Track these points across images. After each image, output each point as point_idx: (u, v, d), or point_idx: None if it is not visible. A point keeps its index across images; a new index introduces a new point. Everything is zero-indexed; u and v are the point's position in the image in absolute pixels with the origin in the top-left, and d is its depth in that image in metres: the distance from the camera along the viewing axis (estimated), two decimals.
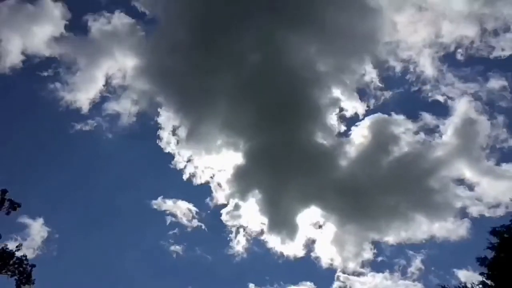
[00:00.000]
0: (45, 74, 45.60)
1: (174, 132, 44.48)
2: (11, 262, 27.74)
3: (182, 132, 44.72)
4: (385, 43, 50.15)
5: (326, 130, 45.45)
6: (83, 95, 44.81)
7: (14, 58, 43.59)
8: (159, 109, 44.76)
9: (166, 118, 44.45)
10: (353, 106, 49.63)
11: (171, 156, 45.70)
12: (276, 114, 42.12)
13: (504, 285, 20.29)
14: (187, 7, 42.75)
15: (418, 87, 51.92)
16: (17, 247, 28.04)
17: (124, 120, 44.96)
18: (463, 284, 21.97)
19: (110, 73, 45.15)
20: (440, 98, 51.68)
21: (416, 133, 49.46)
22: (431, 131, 51.09)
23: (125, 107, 44.48)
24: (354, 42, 47.67)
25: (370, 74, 50.18)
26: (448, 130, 50.18)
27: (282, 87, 41.81)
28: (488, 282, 21.04)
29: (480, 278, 21.41)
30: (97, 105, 44.77)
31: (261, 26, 41.92)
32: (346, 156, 46.68)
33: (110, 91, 45.21)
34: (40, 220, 43.47)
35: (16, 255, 27.68)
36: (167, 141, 44.56)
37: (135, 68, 44.41)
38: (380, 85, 50.65)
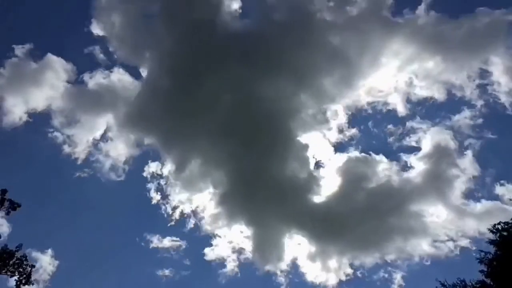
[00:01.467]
0: (47, 127, 48.28)
1: (160, 171, 47.52)
2: (11, 262, 27.90)
3: (166, 170, 47.82)
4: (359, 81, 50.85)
5: (303, 163, 47.11)
6: (81, 146, 48.03)
7: (18, 112, 47.10)
8: (148, 151, 48.13)
9: (153, 159, 47.92)
10: (327, 140, 51.30)
11: (159, 194, 47.87)
12: (255, 148, 44.78)
13: (503, 283, 19.76)
14: (168, 58, 46.67)
15: (389, 124, 53.11)
16: (17, 247, 28.21)
17: (116, 164, 48.20)
18: (463, 283, 21.47)
19: (104, 123, 48.50)
20: (411, 135, 52.86)
21: (387, 168, 50.39)
22: (402, 166, 52.01)
23: (117, 153, 47.85)
24: (327, 82, 49.91)
25: (342, 112, 51.81)
26: (418, 166, 51.18)
27: (258, 124, 44.63)
28: (488, 280, 20.51)
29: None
30: (93, 153, 47.70)
31: (234, 71, 45.36)
32: (321, 187, 48.47)
33: (105, 139, 47.69)
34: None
35: (16, 255, 28.04)
36: (155, 180, 47.02)
37: (127, 117, 47.79)
38: (351, 122, 52.69)
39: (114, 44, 51.40)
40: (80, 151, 48.76)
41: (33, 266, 28.25)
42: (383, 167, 50.00)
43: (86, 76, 51.03)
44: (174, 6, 47.87)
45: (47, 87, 49.85)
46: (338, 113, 51.83)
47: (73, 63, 51.42)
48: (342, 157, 52.09)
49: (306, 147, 47.96)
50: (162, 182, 48.12)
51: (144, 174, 48.29)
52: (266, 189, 44.09)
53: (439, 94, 51.84)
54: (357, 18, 51.61)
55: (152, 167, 47.50)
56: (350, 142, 53.04)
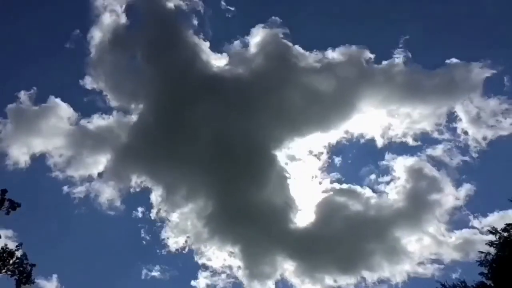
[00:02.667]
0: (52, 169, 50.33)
1: (151, 204, 50.28)
2: (11, 261, 27.78)
3: (156, 200, 50.19)
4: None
5: (282, 192, 48.97)
6: (80, 185, 50.61)
7: (23, 154, 49.39)
8: (139, 184, 49.77)
9: (145, 193, 50.71)
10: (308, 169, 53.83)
11: (151, 225, 51.19)
12: (238, 178, 47.51)
13: (504, 285, 19.78)
14: (155, 100, 50.08)
15: (367, 155, 55.74)
16: (17, 246, 28.07)
17: (113, 200, 50.77)
18: (463, 284, 21.49)
19: (100, 162, 50.86)
20: (387, 163, 54.20)
21: (365, 196, 51.83)
22: (378, 194, 53.21)
23: (113, 189, 50.43)
24: (306, 118, 51.95)
25: (322, 144, 53.50)
26: (396, 194, 52.25)
27: (241, 155, 47.49)
28: (488, 282, 20.53)
29: None
30: (91, 190, 49.99)
31: (216, 108, 48.90)
32: (302, 213, 50.37)
33: (101, 177, 50.54)
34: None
35: (16, 254, 27.96)
36: (147, 211, 50.68)
37: (121, 155, 50.42)
38: (331, 153, 54.29)
39: (106, 90, 53.66)
40: (79, 190, 51.65)
41: (33, 266, 28.20)
42: (362, 195, 52.00)
43: (82, 120, 53.71)
44: (156, 52, 51.34)
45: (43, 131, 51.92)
46: (318, 144, 53.99)
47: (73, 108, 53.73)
48: (322, 186, 54.21)
49: (287, 175, 50.38)
50: (154, 211, 50.81)
51: (139, 208, 51.81)
52: (251, 214, 46.84)
53: (413, 135, 54.03)
54: (337, 64, 53.95)
55: (144, 200, 52.65)
56: (329, 171, 55.09)
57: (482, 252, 21.02)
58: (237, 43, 56.29)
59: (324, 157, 54.02)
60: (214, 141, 47.35)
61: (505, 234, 20.67)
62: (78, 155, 51.26)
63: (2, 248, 27.55)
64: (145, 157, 49.23)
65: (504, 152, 53.26)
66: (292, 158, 52.05)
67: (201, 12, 55.39)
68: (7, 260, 27.60)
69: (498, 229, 20.97)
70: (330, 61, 54.18)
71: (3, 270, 27.58)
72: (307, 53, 54.14)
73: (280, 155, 50.60)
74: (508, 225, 20.65)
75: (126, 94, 52.78)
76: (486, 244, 20.97)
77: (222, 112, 48.56)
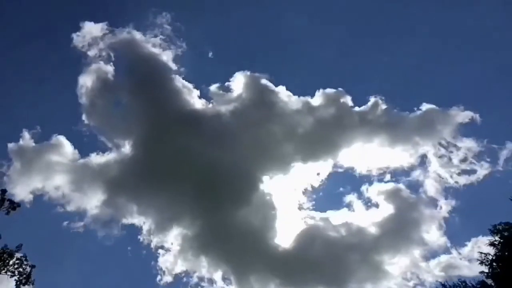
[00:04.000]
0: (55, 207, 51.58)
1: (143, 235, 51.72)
2: (11, 262, 27.76)
3: (147, 230, 51.80)
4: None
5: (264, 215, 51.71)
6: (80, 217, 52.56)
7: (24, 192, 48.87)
8: (133, 215, 51.86)
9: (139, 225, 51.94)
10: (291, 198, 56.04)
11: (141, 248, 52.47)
12: (224, 205, 50.25)
13: (504, 284, 19.74)
14: (144, 135, 53.34)
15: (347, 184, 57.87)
16: (17, 247, 28.06)
17: (110, 230, 52.07)
18: (463, 283, 21.48)
19: (98, 197, 52.39)
20: (369, 195, 55.98)
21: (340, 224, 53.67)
22: (360, 219, 55.60)
23: (108, 220, 52.03)
24: (289, 151, 54.98)
25: (303, 172, 55.49)
26: (376, 220, 53.78)
27: (225, 184, 49.98)
28: (488, 281, 20.50)
29: None
30: (91, 222, 51.55)
31: (199, 142, 52.68)
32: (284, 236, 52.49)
33: (98, 210, 51.75)
34: None
35: (16, 255, 27.93)
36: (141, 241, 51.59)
37: (115, 188, 52.70)
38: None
39: (100, 130, 58.18)
40: (80, 223, 52.70)
41: (33, 266, 28.16)
42: (343, 220, 54.27)
43: (78, 158, 55.07)
44: (143, 94, 55.21)
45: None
46: (301, 175, 55.76)
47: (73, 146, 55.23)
48: (304, 212, 55.85)
49: (271, 202, 52.65)
50: (145, 239, 52.00)
51: (137, 238, 52.74)
52: (236, 238, 48.96)
53: (389, 171, 56.28)
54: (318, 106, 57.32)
55: (135, 230, 52.53)
56: (312, 199, 56.52)
57: (482, 253, 21.02)
58: (221, 85, 58.96)
59: (307, 186, 55.81)
60: (199, 172, 50.10)
61: (506, 233, 20.63)
62: (75, 191, 52.98)
63: (2, 249, 27.55)
64: (137, 189, 52.14)
65: (475, 195, 55.33)
66: (276, 186, 54.39)
67: (184, 56, 60.26)
68: (7, 261, 27.61)
69: (499, 229, 20.94)
70: (311, 102, 57.44)
71: (3, 271, 27.57)
72: (289, 94, 57.33)
73: (264, 184, 53.07)
74: (506, 223, 20.63)
75: (117, 133, 56.56)
76: (486, 244, 20.96)
77: (208, 147, 51.86)
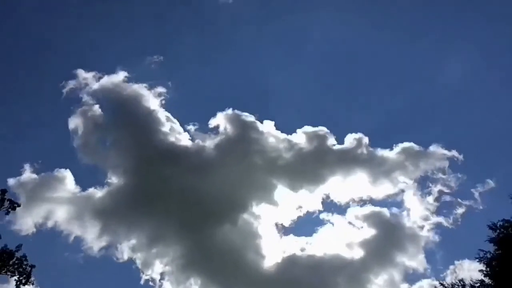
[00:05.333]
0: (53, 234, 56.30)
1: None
2: (11, 262, 27.86)
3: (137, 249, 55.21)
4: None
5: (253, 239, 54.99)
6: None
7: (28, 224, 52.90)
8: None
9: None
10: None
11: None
12: (204, 228, 54.04)
13: (503, 283, 19.00)
14: (133, 170, 57.17)
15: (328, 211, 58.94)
16: (17, 247, 28.15)
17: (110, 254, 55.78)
18: (462, 282, 20.77)
19: (95, 227, 56.35)
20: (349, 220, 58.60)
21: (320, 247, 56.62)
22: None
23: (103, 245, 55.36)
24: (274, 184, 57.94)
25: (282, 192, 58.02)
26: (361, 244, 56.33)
27: (211, 212, 53.78)
28: (487, 280, 19.77)
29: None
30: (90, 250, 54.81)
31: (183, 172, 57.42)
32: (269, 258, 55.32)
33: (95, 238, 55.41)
34: None
35: (16, 255, 28.03)
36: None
37: (111, 217, 57.01)
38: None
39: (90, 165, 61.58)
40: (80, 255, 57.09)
41: (33, 266, 28.25)
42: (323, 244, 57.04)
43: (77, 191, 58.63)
44: (131, 132, 59.87)
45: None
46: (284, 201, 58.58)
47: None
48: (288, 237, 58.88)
49: (256, 233, 55.65)
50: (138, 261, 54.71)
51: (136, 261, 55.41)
52: (220, 261, 51.94)
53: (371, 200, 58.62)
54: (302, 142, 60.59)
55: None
56: (294, 224, 58.33)
57: (481, 250, 20.32)
58: (205, 122, 63.07)
59: (290, 212, 57.91)
60: (184, 201, 54.06)
61: (505, 231, 19.91)
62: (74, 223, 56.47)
63: (2, 248, 27.70)
64: (129, 218, 55.67)
65: (453, 231, 56.87)
66: (260, 213, 56.97)
67: (170, 95, 64.41)
68: (7, 261, 27.73)
69: (498, 226, 20.23)
70: (294, 138, 60.98)
71: (3, 271, 27.69)
72: (274, 130, 60.79)
73: (249, 212, 55.89)
74: (506, 221, 19.92)
75: (108, 167, 60.56)
76: (486, 241, 20.27)
77: (192, 179, 55.93)
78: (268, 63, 77.68)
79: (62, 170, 58.58)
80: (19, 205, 28.29)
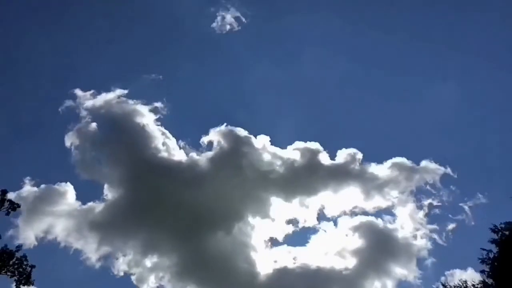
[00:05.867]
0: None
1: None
2: (11, 262, 27.70)
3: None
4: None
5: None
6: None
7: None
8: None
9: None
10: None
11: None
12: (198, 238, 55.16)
13: (505, 283, 19.40)
14: (129, 183, 58.42)
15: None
16: (17, 247, 28.04)
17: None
18: (464, 284, 21.16)
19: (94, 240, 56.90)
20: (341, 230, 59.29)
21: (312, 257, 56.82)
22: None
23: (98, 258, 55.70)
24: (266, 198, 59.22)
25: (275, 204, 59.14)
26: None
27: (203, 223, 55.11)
28: (488, 281, 20.16)
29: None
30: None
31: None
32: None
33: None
34: None
35: (16, 255, 27.90)
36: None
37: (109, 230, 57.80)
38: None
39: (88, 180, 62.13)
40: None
41: (33, 267, 28.13)
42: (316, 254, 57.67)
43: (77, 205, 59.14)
44: (126, 147, 60.24)
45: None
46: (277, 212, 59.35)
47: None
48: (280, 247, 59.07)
49: (250, 243, 56.17)
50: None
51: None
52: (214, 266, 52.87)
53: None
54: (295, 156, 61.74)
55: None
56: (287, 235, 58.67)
57: (484, 249, 20.71)
58: (199, 137, 63.74)
59: (283, 223, 58.51)
60: (180, 213, 55.28)
61: (507, 232, 20.30)
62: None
63: (2, 249, 27.55)
64: (128, 231, 56.63)
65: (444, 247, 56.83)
66: (255, 223, 57.69)
67: (165, 111, 64.51)
68: (7, 261, 27.59)
69: (500, 228, 20.61)
70: (287, 153, 61.64)
71: (3, 271, 27.53)
72: (267, 145, 61.39)
73: (243, 222, 56.66)
74: (508, 223, 20.31)
75: (107, 182, 60.55)
76: (488, 241, 20.65)
77: (188, 192, 57.31)
78: (261, 80, 78.50)
79: (62, 184, 59.30)
80: (19, 206, 28.16)
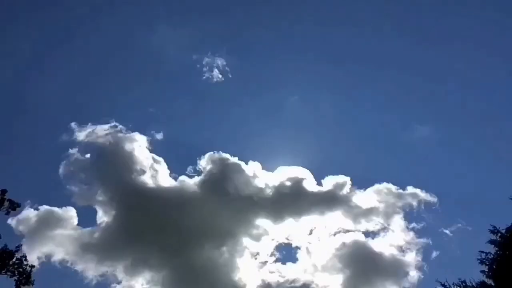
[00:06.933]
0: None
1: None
2: (11, 262, 27.62)
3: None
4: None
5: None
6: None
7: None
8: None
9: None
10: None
11: None
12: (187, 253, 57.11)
13: (504, 284, 19.76)
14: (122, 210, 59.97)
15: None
16: (17, 247, 27.99)
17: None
18: (463, 284, 21.48)
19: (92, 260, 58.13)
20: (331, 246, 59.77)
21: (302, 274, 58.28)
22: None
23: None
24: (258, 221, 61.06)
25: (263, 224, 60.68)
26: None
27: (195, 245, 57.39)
28: (487, 281, 20.52)
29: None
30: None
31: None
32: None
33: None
34: None
35: (16, 255, 27.83)
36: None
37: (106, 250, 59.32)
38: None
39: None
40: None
41: (32, 266, 28.09)
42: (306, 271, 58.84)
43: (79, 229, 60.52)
44: (117, 178, 61.80)
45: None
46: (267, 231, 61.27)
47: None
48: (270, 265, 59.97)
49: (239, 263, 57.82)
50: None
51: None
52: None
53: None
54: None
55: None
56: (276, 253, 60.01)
57: (482, 252, 21.03)
58: (191, 165, 65.01)
59: (272, 242, 59.90)
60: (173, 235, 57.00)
61: (506, 233, 20.64)
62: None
63: (2, 248, 27.44)
64: (123, 252, 58.09)
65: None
66: (245, 242, 59.33)
67: (158, 139, 66.44)
68: (7, 261, 27.51)
69: (499, 229, 20.97)
70: (276, 178, 63.53)
71: (3, 271, 27.44)
72: (257, 171, 63.21)
73: (233, 241, 58.56)
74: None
75: (102, 208, 61.91)
76: (487, 242, 20.98)
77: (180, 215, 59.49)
78: (252, 115, 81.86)
79: (58, 209, 60.39)
80: (19, 205, 28.11)
